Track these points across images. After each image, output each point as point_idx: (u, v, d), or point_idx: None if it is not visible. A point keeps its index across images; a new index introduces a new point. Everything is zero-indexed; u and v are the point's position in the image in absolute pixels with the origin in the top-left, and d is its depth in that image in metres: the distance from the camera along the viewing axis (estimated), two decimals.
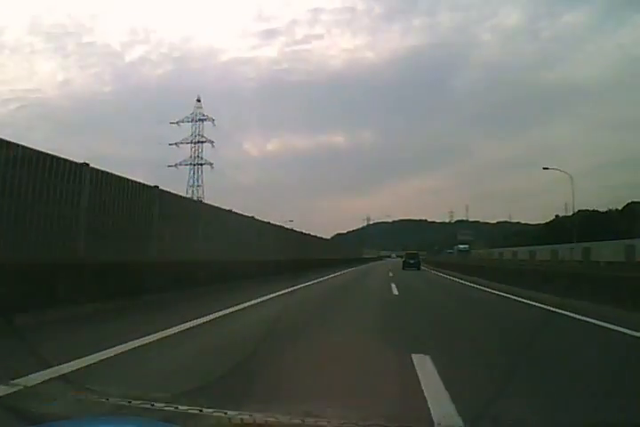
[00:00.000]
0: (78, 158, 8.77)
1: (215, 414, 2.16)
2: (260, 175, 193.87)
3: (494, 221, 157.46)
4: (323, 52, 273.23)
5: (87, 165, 8.93)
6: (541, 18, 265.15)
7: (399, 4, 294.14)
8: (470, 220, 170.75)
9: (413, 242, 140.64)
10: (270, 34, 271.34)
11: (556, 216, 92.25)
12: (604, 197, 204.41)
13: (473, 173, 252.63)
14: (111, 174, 9.84)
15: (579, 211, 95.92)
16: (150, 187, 11.44)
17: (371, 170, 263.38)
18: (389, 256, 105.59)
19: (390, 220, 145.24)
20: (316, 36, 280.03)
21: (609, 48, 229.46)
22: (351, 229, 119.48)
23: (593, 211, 68.84)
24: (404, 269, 34.23)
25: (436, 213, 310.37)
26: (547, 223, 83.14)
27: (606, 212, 64.58)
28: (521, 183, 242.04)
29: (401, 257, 66.07)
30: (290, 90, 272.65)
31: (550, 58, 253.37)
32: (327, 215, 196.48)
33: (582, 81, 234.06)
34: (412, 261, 35.52)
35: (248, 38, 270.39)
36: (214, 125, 76.53)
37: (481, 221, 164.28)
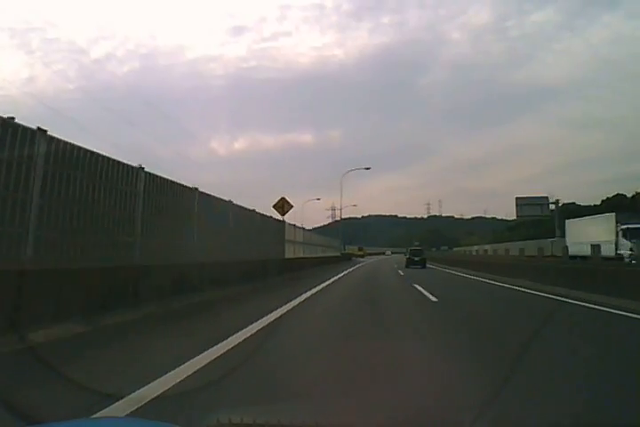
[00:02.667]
0: None
1: (215, 414, 2.11)
2: (226, 173, 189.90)
3: (469, 217, 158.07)
4: (291, 50, 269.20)
5: None
6: (510, 16, 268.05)
7: (368, 0, 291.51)
8: (444, 215, 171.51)
9: (386, 238, 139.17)
10: (238, 31, 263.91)
11: None
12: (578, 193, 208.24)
13: (444, 171, 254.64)
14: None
15: (563, 204, 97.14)
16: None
17: (339, 168, 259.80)
18: (384, 253, 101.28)
19: (359, 215, 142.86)
20: (284, 33, 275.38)
21: (577, 47, 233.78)
22: (318, 226, 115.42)
23: (618, 195, 65.75)
24: (407, 267, 30.91)
25: (407, 209, 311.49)
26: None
27: (633, 197, 62.58)
28: (492, 180, 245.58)
29: (398, 253, 63.41)
30: (258, 88, 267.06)
31: (519, 56, 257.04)
32: (294, 212, 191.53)
33: (550, 80, 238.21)
34: (416, 259, 32.22)
35: (216, 35, 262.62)
36: None
37: (455, 216, 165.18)
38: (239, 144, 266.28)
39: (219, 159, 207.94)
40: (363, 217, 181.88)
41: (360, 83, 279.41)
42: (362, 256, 69.29)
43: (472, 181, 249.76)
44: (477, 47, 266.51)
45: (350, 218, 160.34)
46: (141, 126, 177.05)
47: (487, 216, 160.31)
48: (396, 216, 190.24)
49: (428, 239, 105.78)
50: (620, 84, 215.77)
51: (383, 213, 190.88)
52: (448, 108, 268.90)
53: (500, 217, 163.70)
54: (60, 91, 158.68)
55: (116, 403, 2.88)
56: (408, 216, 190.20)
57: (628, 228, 25.70)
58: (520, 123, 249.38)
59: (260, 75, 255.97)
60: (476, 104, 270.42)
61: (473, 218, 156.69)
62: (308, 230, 35.72)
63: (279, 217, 20.42)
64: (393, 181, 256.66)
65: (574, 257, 30.77)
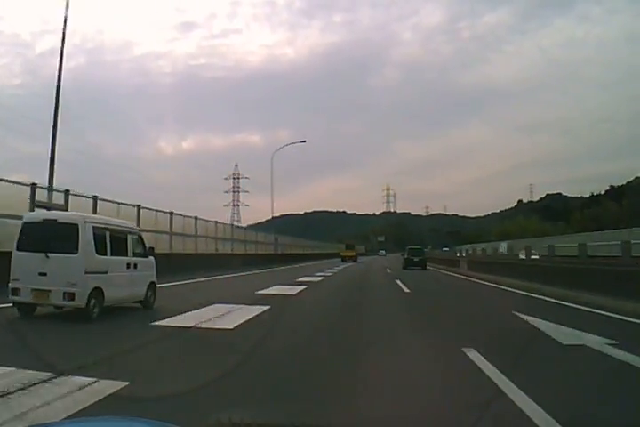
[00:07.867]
0: None
1: (215, 414, 2.16)
2: (173, 173, 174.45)
3: (427, 214, 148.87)
4: (241, 48, 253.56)
5: None
6: (462, 17, 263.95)
7: None
8: (399, 211, 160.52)
9: (337, 234, 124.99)
10: (188, 27, 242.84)
11: (519, 201, 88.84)
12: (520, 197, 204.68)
13: (395, 171, 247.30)
14: None
15: (547, 195, 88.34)
16: None
17: (287, 169, 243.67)
18: (378, 253, 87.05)
19: (302, 211, 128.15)
20: (234, 31, 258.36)
21: (528, 49, 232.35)
22: (253, 223, 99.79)
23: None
24: (405, 268, 28.85)
25: (356, 207, 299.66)
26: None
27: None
28: (441, 181, 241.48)
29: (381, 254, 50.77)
30: (207, 86, 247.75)
31: (469, 58, 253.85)
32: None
33: (500, 82, 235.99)
34: (415, 259, 30.00)
35: (165, 31, 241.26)
36: None
37: (412, 213, 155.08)
38: (187, 144, 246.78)
39: (166, 158, 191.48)
40: (306, 213, 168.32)
41: (311, 82, 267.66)
42: (353, 259, 48.36)
43: (423, 181, 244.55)
44: (428, 48, 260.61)
45: (292, 214, 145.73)
46: (87, 123, 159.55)
47: (447, 213, 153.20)
48: (344, 212, 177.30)
49: (393, 235, 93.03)
50: (569, 87, 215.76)
51: (330, 209, 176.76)
52: (399, 109, 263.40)
53: (461, 214, 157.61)
54: (5, 86, 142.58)
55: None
56: (358, 213, 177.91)
57: None
58: (471, 124, 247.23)
59: (208, 73, 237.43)
60: (427, 105, 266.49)
61: (432, 215, 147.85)
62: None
63: None
64: (343, 180, 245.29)
65: None
